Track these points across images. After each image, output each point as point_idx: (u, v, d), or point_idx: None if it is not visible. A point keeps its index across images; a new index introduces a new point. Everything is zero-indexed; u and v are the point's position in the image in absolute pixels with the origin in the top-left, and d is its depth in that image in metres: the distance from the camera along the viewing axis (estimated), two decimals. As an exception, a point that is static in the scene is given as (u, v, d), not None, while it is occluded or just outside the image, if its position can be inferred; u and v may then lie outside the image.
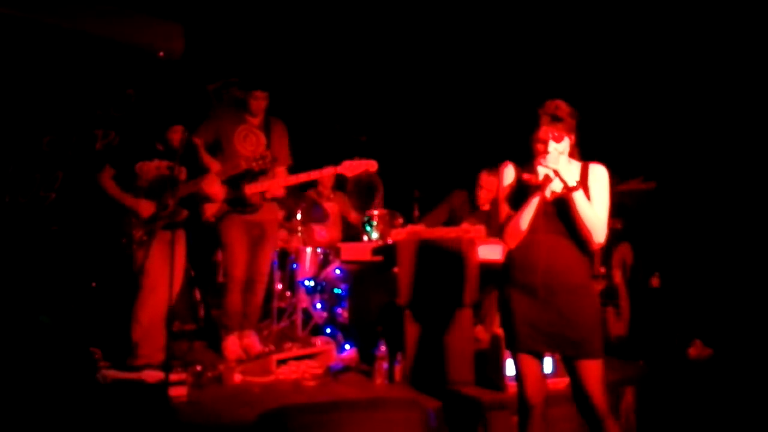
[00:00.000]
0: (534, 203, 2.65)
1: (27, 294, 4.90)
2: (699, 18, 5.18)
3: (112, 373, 3.90)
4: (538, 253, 2.65)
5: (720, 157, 5.30)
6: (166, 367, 3.49)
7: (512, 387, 3.68)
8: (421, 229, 4.63)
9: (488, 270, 4.25)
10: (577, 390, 2.66)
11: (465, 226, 4.74)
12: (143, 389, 3.73)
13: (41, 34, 5.57)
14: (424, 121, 6.85)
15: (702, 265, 5.23)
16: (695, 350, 4.85)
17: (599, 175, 2.71)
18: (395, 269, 4.29)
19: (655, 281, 5.20)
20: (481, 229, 4.60)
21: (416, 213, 5.28)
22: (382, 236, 4.98)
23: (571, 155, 2.73)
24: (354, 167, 4.48)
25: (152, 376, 3.81)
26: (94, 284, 5.22)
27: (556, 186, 2.65)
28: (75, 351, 4.17)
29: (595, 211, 2.64)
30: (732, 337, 4.85)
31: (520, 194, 2.71)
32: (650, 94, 5.58)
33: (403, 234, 4.45)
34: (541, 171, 2.62)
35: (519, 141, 2.80)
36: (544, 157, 2.61)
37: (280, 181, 4.56)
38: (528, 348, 2.68)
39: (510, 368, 3.74)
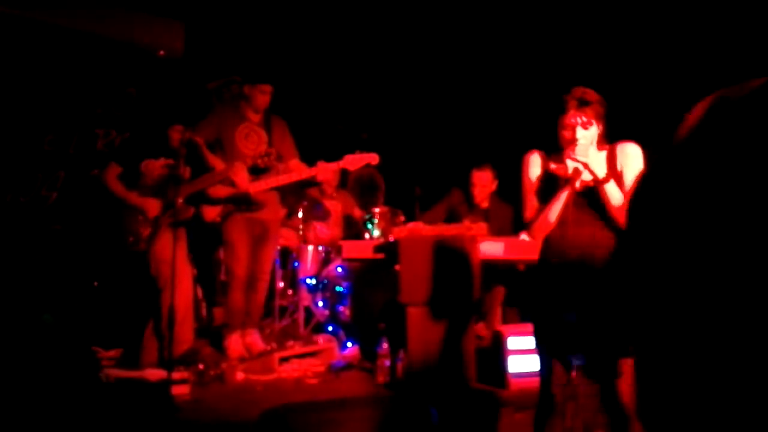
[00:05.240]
0: (563, 197, 2.53)
1: (29, 293, 4.90)
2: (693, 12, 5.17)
3: (115, 372, 3.91)
4: (573, 248, 2.53)
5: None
6: (169, 365, 3.50)
7: (514, 384, 3.69)
8: (423, 227, 4.62)
9: (490, 267, 4.25)
10: (608, 387, 2.55)
11: (466, 223, 4.74)
12: (146, 388, 3.74)
13: (42, 33, 5.58)
14: (425, 118, 6.84)
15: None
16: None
17: (630, 154, 2.56)
18: (397, 267, 4.29)
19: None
20: (482, 226, 4.59)
21: (418, 210, 5.28)
22: (384, 234, 4.98)
23: (599, 145, 2.59)
24: (356, 161, 4.47)
25: (155, 374, 3.81)
26: (96, 283, 5.23)
27: (585, 176, 2.52)
28: (77, 350, 4.18)
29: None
30: (731, 335, 4.84)
31: (547, 185, 2.58)
32: (647, 88, 5.57)
33: (404, 231, 4.45)
34: (570, 164, 2.50)
35: (529, 134, 2.72)
36: (572, 148, 2.49)
37: (324, 167, 4.46)
38: None
39: (512, 366, 3.75)
